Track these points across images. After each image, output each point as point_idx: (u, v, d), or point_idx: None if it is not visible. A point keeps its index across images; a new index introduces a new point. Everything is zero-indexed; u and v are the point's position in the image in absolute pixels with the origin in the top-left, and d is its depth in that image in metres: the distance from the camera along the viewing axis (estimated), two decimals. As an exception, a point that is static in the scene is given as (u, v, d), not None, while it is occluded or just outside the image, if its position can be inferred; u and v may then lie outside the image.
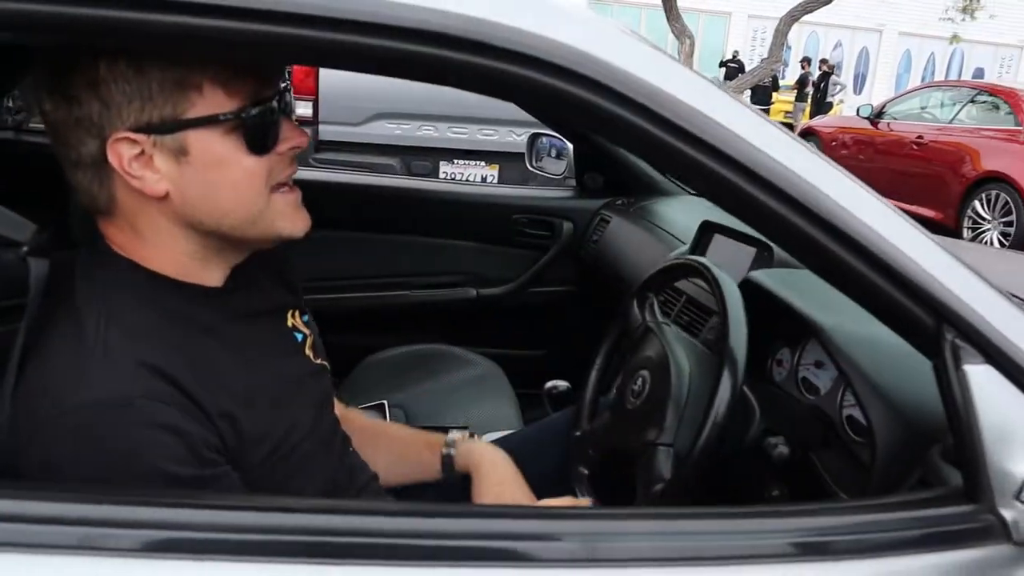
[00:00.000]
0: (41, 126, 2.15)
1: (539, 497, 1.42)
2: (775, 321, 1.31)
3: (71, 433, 0.83)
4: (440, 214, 2.45)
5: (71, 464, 0.83)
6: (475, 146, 4.84)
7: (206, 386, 0.92)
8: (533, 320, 2.50)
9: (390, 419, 1.91)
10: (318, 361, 1.18)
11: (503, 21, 0.81)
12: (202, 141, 0.91)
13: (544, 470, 1.44)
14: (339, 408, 1.38)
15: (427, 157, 4.80)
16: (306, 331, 1.18)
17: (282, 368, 1.08)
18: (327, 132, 4.80)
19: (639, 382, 1.27)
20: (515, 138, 4.79)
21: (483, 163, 4.83)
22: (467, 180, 4.83)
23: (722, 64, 17.37)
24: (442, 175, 4.80)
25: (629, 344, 1.41)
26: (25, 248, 0.90)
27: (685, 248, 1.90)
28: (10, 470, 0.85)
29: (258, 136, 0.93)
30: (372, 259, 2.39)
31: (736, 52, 18.18)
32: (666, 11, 10.33)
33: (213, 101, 0.89)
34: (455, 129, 4.76)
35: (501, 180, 4.82)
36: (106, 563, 0.71)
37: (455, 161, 4.85)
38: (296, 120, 4.96)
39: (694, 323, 1.64)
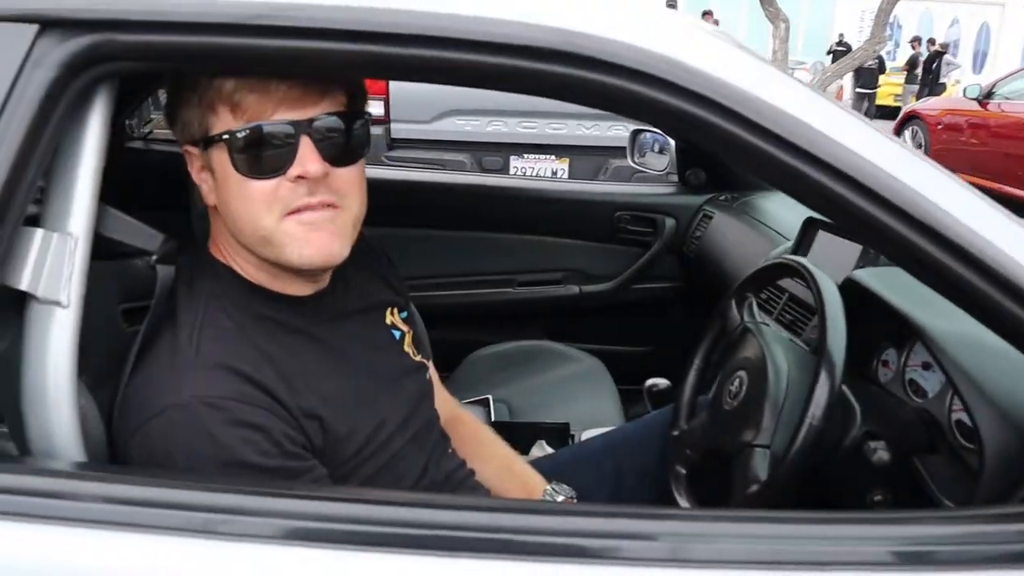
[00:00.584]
0: (165, 135, 2.31)
1: (636, 494, 1.44)
2: (880, 321, 1.28)
3: (166, 430, 0.92)
4: (543, 212, 2.48)
5: (165, 457, 0.92)
6: (545, 140, 4.84)
7: (292, 388, 0.98)
8: (636, 317, 2.50)
9: (494, 414, 1.96)
10: (417, 358, 1.22)
11: (598, 33, 0.84)
12: (218, 158, 0.98)
13: (642, 468, 1.45)
14: (453, 409, 1.43)
15: (497, 152, 4.84)
16: (404, 328, 1.22)
17: (374, 366, 1.13)
18: (399, 130, 4.90)
19: (736, 383, 1.27)
20: (585, 131, 4.78)
21: (553, 157, 4.83)
22: (537, 174, 4.85)
23: (829, 51, 16.68)
24: (512, 170, 4.83)
25: (727, 344, 1.40)
26: (155, 256, 0.98)
27: (788, 245, 1.87)
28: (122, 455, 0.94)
29: (246, 159, 0.95)
30: (477, 257, 2.45)
31: (842, 35, 17.43)
32: None
33: (224, 121, 0.96)
34: (525, 124, 4.77)
35: (572, 174, 4.81)
36: (224, 546, 0.78)
37: (525, 155, 4.87)
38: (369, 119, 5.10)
39: (797, 322, 1.62)
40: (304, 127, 0.95)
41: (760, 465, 1.14)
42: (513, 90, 0.94)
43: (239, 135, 0.94)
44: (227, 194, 0.98)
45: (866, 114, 13.25)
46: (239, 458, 0.92)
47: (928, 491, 1.11)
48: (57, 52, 0.86)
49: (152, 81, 1.89)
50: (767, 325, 1.34)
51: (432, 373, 1.30)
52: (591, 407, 1.99)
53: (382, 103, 4.80)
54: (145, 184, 1.72)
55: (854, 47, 14.90)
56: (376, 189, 2.50)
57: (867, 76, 14.57)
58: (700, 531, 0.85)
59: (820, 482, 1.22)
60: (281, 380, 0.98)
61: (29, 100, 0.85)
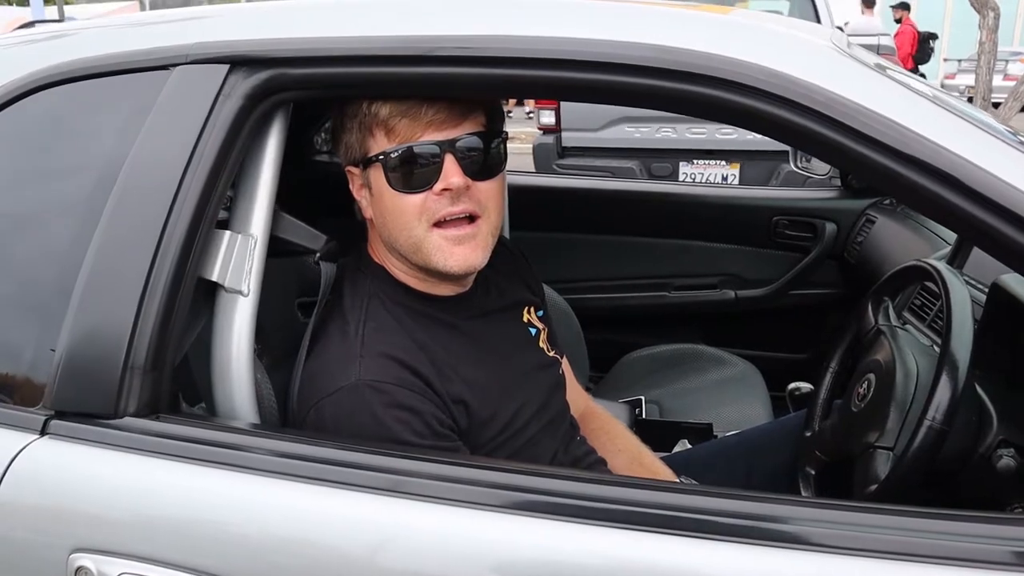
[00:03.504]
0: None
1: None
2: None
3: (335, 409, 1.07)
4: (700, 216, 2.50)
5: (334, 433, 1.06)
6: (715, 146, 4.76)
7: (443, 374, 1.12)
8: (794, 323, 2.47)
9: (645, 414, 2.02)
10: (551, 354, 1.33)
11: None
12: (375, 176, 1.12)
13: (774, 468, 1.48)
14: (587, 402, 1.52)
15: (666, 159, 4.81)
16: (540, 325, 1.33)
17: (514, 359, 1.24)
18: (569, 138, 5.00)
19: (865, 385, 1.27)
20: (755, 136, 4.64)
21: (723, 162, 4.74)
22: (707, 180, 4.77)
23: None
24: (682, 176, 4.78)
25: (862, 347, 1.40)
26: (318, 255, 1.15)
27: (947, 250, 1.80)
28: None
29: (400, 175, 1.08)
30: (634, 261, 2.51)
31: None
32: None
33: (380, 142, 1.10)
34: (694, 130, 4.72)
35: (742, 179, 4.69)
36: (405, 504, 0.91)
37: (695, 162, 4.81)
38: (540, 128, 5.21)
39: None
40: (448, 146, 1.08)
41: (881, 466, 1.15)
42: (628, 104, 1.03)
43: (392, 155, 1.08)
44: (382, 207, 1.13)
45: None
46: (396, 436, 1.05)
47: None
48: (243, 86, 1.04)
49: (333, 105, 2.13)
50: (903, 329, 1.33)
51: (565, 367, 1.39)
52: (740, 411, 2.01)
53: (553, 113, 4.95)
54: (329, 193, 1.94)
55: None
56: (539, 196, 2.64)
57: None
58: (822, 517, 0.87)
59: (956, 489, 1.20)
60: (433, 367, 1.11)
61: (221, 125, 1.04)
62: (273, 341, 1.24)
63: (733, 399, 2.09)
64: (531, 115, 6.94)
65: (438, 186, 1.08)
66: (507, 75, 1.01)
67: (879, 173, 0.89)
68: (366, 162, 1.12)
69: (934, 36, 11.38)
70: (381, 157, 1.09)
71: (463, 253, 1.10)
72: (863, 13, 10.99)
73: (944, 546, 0.82)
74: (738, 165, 4.74)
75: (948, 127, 0.90)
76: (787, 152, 4.30)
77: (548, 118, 5.00)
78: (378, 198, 1.13)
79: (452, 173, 1.08)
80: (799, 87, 0.90)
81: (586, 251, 2.49)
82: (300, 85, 1.06)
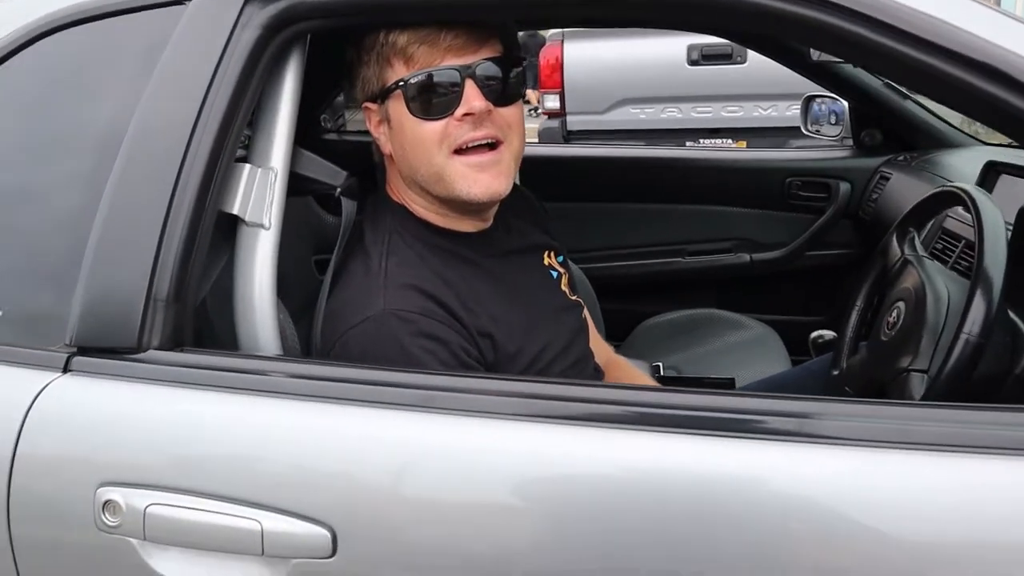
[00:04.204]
0: (355, 126, 2.54)
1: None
2: None
3: (361, 339, 1.06)
4: (712, 181, 2.49)
5: (360, 362, 1.05)
6: (720, 124, 4.77)
7: (467, 307, 1.10)
8: (810, 285, 2.45)
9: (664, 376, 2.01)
10: (573, 298, 1.31)
11: None
12: (394, 107, 1.11)
13: (802, 408, 1.45)
14: (608, 352, 1.50)
15: (673, 139, 4.82)
16: (561, 270, 1.32)
17: (537, 298, 1.23)
18: (574, 122, 5.00)
19: (895, 313, 1.26)
20: (762, 113, 4.66)
21: (730, 140, 4.76)
22: None
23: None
24: None
25: (888, 280, 1.38)
26: (339, 189, 1.14)
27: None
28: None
29: (419, 102, 1.07)
30: (647, 228, 2.50)
31: None
32: None
33: (398, 71, 1.09)
34: (699, 108, 4.73)
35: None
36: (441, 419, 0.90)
37: (701, 140, 4.82)
38: (544, 113, 5.20)
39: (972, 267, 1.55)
40: (467, 71, 1.07)
41: (916, 388, 1.13)
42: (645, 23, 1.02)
43: (412, 81, 1.07)
44: (402, 138, 1.11)
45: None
46: (422, 365, 1.04)
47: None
48: (260, 15, 1.03)
49: (339, 80, 2.13)
50: (929, 259, 1.31)
51: (587, 315, 1.38)
52: (760, 372, 1.98)
53: (557, 97, 4.95)
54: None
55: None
56: (551, 165, 2.62)
57: None
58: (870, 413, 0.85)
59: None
60: (457, 300, 1.10)
61: (238, 58, 1.02)
62: (292, 293, 1.23)
63: (752, 360, 2.06)
64: (533, 112, 6.92)
65: (459, 111, 1.07)
66: None
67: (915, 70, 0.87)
68: (384, 94, 1.10)
69: None
70: (401, 84, 1.08)
71: (486, 180, 1.09)
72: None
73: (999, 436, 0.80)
74: (744, 142, 4.73)
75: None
76: (795, 128, 4.30)
77: (552, 102, 5.00)
78: (398, 129, 1.11)
79: (473, 97, 1.06)
80: None
81: (599, 220, 2.48)
82: (317, 13, 1.04)
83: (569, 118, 5.00)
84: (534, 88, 6.22)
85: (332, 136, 2.49)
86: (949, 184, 1.33)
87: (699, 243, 2.48)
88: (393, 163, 1.17)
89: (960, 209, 1.31)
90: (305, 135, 1.18)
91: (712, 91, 4.67)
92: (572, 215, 2.45)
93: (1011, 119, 0.84)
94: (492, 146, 1.10)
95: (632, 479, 0.85)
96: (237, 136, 1.04)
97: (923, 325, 1.17)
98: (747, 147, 4.71)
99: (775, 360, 2.07)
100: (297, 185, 1.12)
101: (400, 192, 1.18)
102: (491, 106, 1.07)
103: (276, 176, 1.06)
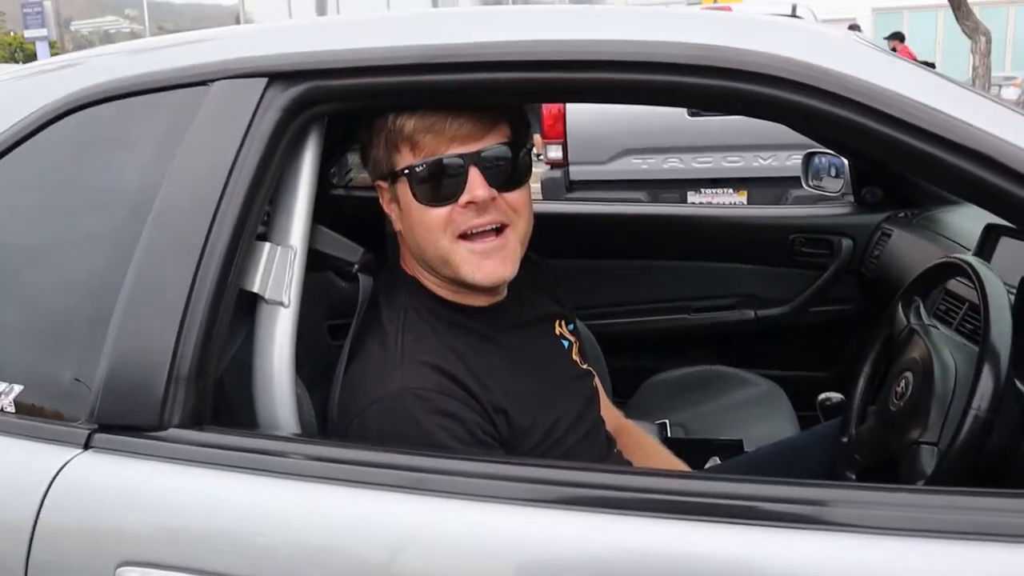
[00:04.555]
0: (364, 181, 2.57)
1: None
2: None
3: (379, 417, 1.07)
4: (716, 238, 2.51)
5: (377, 440, 1.06)
6: (722, 174, 4.82)
7: (482, 383, 1.12)
8: (815, 340, 2.46)
9: (671, 435, 2.01)
10: (584, 367, 1.33)
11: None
12: (401, 190, 1.13)
13: (811, 475, 1.45)
14: (618, 418, 1.51)
15: (674, 188, 4.88)
16: (572, 339, 1.33)
17: (549, 371, 1.24)
18: (577, 172, 5.06)
19: (903, 383, 1.27)
20: (762, 163, 4.72)
21: (731, 190, 4.80)
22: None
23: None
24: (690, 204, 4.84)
25: (895, 348, 1.40)
26: (356, 266, 1.16)
27: (968, 254, 1.80)
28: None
29: (424, 189, 1.10)
30: (651, 285, 2.51)
31: None
32: (954, 9, 9.35)
33: (405, 157, 1.12)
34: (700, 159, 4.78)
35: (751, 205, 4.74)
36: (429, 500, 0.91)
37: (703, 190, 4.87)
38: (547, 163, 5.25)
39: (977, 330, 1.57)
40: (472, 159, 1.09)
41: (926, 462, 1.14)
42: (663, 104, 1.05)
43: (417, 169, 1.10)
44: (410, 220, 1.14)
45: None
46: (439, 443, 1.05)
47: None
48: (281, 99, 1.06)
49: (349, 139, 2.17)
50: (935, 328, 1.33)
51: (597, 382, 1.39)
52: (767, 429, 1.99)
53: (560, 147, 5.01)
54: (347, 225, 1.96)
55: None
56: (556, 222, 2.65)
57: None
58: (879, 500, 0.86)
59: (1004, 484, 1.19)
60: (472, 376, 1.11)
61: (260, 138, 1.05)
62: (306, 358, 1.24)
63: (759, 418, 2.07)
64: (536, 157, 7.00)
65: (463, 199, 1.09)
66: (547, 79, 1.02)
67: (916, 159, 0.90)
68: (393, 176, 1.13)
69: (930, 64, 11.53)
70: (407, 171, 1.10)
71: (491, 266, 1.11)
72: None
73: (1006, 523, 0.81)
74: (746, 192, 4.78)
75: (978, 108, 0.91)
76: (795, 178, 4.35)
77: (555, 152, 5.06)
78: (406, 211, 1.14)
79: (477, 185, 1.08)
80: (834, 77, 0.92)
81: (604, 276, 2.50)
82: (335, 97, 1.08)
83: (572, 168, 5.06)
84: (537, 132, 6.31)
85: (340, 191, 2.53)
86: (952, 256, 1.35)
87: (704, 299, 2.50)
88: (404, 240, 1.19)
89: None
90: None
91: (713, 141, 4.72)
92: (577, 272, 2.48)
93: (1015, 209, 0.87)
94: (498, 231, 1.12)
95: (644, 567, 0.86)
96: (258, 215, 1.07)
97: (931, 397, 1.18)
98: (748, 196, 4.75)
99: (782, 417, 2.08)
100: (316, 261, 1.14)
101: (412, 266, 1.20)
102: (495, 193, 1.10)
103: (295, 254, 1.09)
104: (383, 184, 1.17)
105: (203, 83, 1.09)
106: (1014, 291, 1.43)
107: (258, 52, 1.08)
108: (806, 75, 0.92)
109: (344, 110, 1.11)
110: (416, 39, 1.06)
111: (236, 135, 1.05)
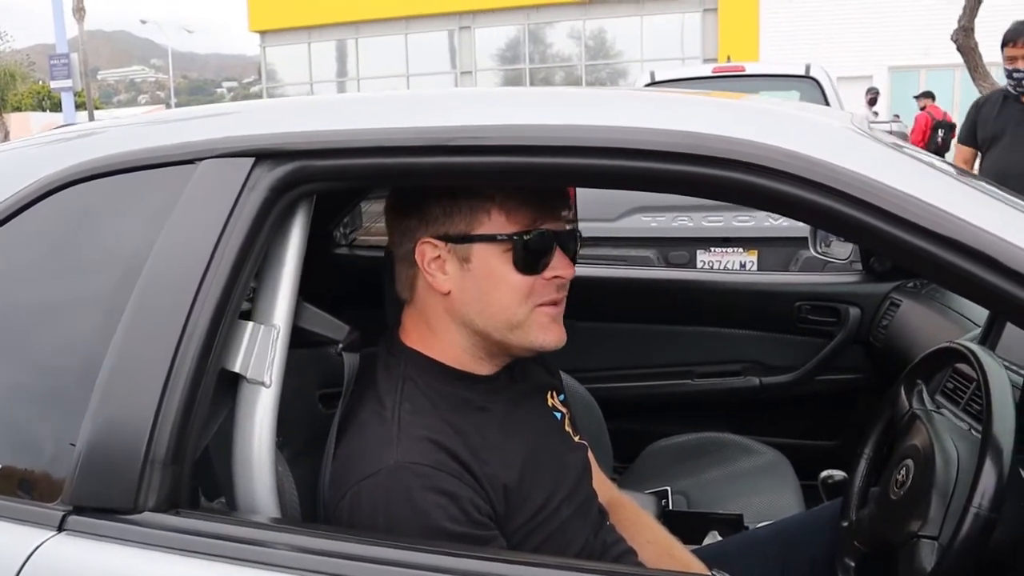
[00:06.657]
0: (365, 242, 2.59)
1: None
2: None
3: (373, 492, 1.05)
4: (721, 303, 2.49)
5: (370, 516, 1.04)
6: (732, 233, 4.75)
7: (478, 457, 1.10)
8: (821, 410, 2.42)
9: (672, 505, 1.97)
10: (576, 438, 1.31)
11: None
12: (482, 254, 1.13)
13: (810, 559, 1.42)
14: (611, 490, 1.48)
15: (683, 247, 4.81)
16: (563, 410, 1.32)
17: (544, 443, 1.22)
18: (586, 229, 4.99)
19: (903, 471, 1.23)
20: (772, 223, 4.67)
21: (741, 249, 4.73)
22: (725, 268, 4.76)
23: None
24: (699, 264, 4.76)
25: (896, 432, 1.36)
26: (341, 345, 1.15)
27: (977, 332, 1.77)
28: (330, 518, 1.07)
29: (526, 258, 1.12)
30: (655, 349, 2.49)
31: None
32: (970, 70, 9.35)
33: (497, 224, 1.12)
34: (710, 218, 4.73)
35: (760, 266, 4.67)
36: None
37: (712, 249, 4.79)
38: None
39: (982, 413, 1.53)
40: (559, 236, 1.16)
41: (926, 557, 1.10)
42: (658, 190, 1.05)
43: (515, 238, 1.12)
44: (485, 284, 1.13)
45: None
46: (432, 523, 1.03)
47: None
48: (267, 177, 1.06)
49: (353, 198, 2.17)
50: (939, 413, 1.30)
51: (590, 455, 1.36)
52: (770, 501, 1.95)
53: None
54: (350, 284, 1.95)
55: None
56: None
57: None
58: None
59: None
60: (469, 450, 1.10)
61: (245, 217, 1.05)
62: (294, 433, 1.22)
63: (762, 489, 2.03)
64: None
65: (548, 273, 1.14)
66: (528, 163, 1.02)
67: (907, 252, 0.88)
68: (468, 238, 1.13)
69: (948, 126, 11.54)
70: (502, 238, 1.12)
71: (558, 331, 1.17)
72: (867, 108, 11.33)
73: None
74: (756, 252, 4.73)
75: (974, 203, 0.89)
76: (805, 238, 4.34)
77: (563, 209, 5.06)
78: (482, 275, 1.13)
79: (564, 263, 1.15)
80: (819, 167, 0.90)
81: (606, 340, 2.47)
82: (322, 177, 1.07)
83: (580, 225, 5.04)
84: None
85: (344, 250, 2.53)
86: (955, 342, 1.33)
87: (708, 365, 2.47)
88: (440, 300, 1.16)
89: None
90: (316, 250, 1.21)
91: (723, 201, 4.70)
92: (580, 334, 2.45)
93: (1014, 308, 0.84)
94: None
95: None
96: (242, 294, 1.06)
97: (932, 488, 1.15)
98: (758, 256, 4.71)
99: (785, 488, 2.03)
100: (300, 338, 1.13)
101: (422, 333, 1.19)
102: (575, 271, 1.16)
103: (279, 333, 1.07)
104: (436, 242, 1.14)
105: (190, 162, 1.09)
106: (1020, 371, 1.40)
107: (245, 132, 1.08)
108: (790, 165, 0.90)
109: (331, 189, 1.11)
110: (403, 121, 1.06)
111: (221, 214, 1.05)
